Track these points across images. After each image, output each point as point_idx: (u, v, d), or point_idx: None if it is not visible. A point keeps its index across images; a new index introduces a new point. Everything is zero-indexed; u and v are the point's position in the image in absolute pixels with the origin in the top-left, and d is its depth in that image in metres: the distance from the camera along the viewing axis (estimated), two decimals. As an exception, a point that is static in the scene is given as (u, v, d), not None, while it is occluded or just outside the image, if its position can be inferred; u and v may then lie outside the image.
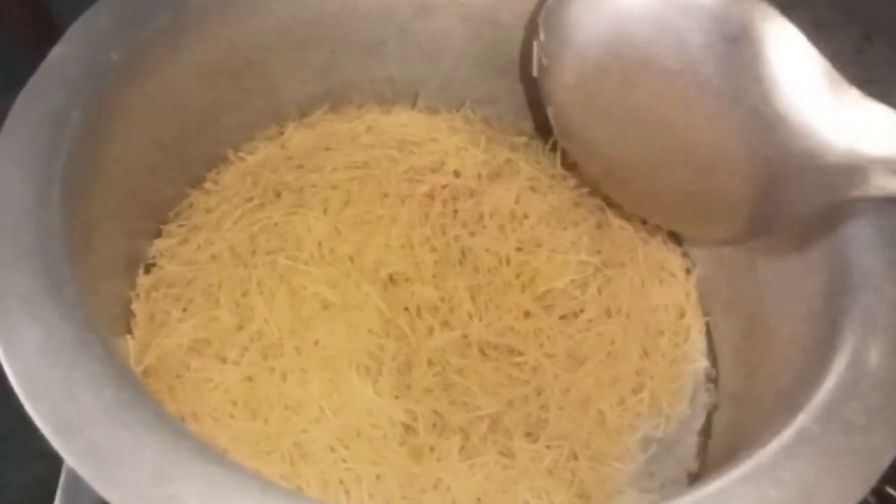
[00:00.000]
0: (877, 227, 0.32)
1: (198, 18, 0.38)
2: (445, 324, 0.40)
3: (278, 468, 0.34)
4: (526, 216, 0.43)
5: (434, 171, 0.43)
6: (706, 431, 0.40)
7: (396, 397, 0.38)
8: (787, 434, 0.27)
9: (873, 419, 0.27)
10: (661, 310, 0.43)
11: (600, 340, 0.41)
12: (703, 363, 0.42)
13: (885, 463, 0.27)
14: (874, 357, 0.29)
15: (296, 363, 0.36)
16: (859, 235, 0.33)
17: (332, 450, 0.35)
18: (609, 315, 0.42)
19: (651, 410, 0.40)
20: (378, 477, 0.35)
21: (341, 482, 0.34)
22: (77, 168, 0.32)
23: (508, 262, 0.42)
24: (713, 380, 0.42)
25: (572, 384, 0.40)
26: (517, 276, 0.42)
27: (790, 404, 0.30)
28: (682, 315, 0.43)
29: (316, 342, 0.37)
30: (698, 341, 0.43)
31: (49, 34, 0.36)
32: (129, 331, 0.37)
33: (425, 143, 0.43)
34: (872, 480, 0.26)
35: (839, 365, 0.29)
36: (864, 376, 0.28)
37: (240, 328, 0.36)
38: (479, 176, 0.43)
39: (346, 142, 0.43)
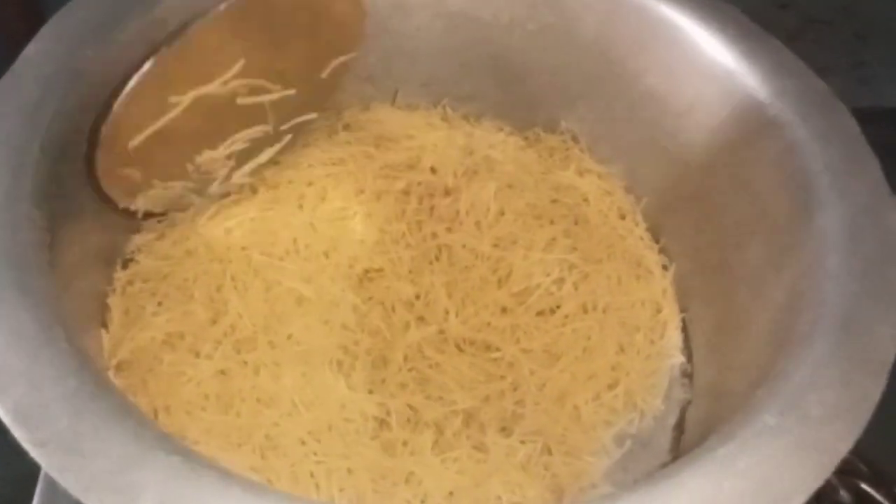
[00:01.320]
0: (842, 222, 0.32)
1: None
2: (421, 319, 0.41)
3: (249, 460, 0.34)
4: (502, 213, 0.43)
5: (411, 167, 0.43)
6: (680, 426, 0.41)
7: (370, 391, 0.38)
8: (747, 427, 0.27)
9: (829, 412, 0.27)
10: (637, 306, 0.43)
11: (576, 336, 0.42)
12: (679, 359, 0.42)
13: (840, 454, 0.27)
14: (832, 352, 0.29)
15: (269, 357, 0.36)
16: (825, 230, 0.33)
17: (304, 443, 0.35)
18: (585, 311, 0.42)
19: (626, 406, 0.41)
20: (349, 470, 0.35)
21: (312, 475, 0.35)
22: (50, 163, 0.33)
23: (485, 259, 0.42)
24: (688, 375, 0.42)
25: (548, 380, 0.40)
26: (494, 272, 0.42)
27: (754, 399, 0.30)
28: (659, 311, 0.43)
29: (289, 336, 0.37)
30: (674, 337, 0.43)
31: (37, 22, 0.36)
32: (105, 325, 0.37)
33: (402, 140, 0.43)
34: (827, 472, 0.26)
35: (799, 360, 0.29)
36: (822, 371, 0.28)
37: (213, 322, 0.37)
38: (456, 173, 0.43)
39: (323, 139, 0.43)
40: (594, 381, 0.41)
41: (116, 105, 0.35)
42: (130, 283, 0.38)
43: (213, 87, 0.37)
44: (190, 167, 0.40)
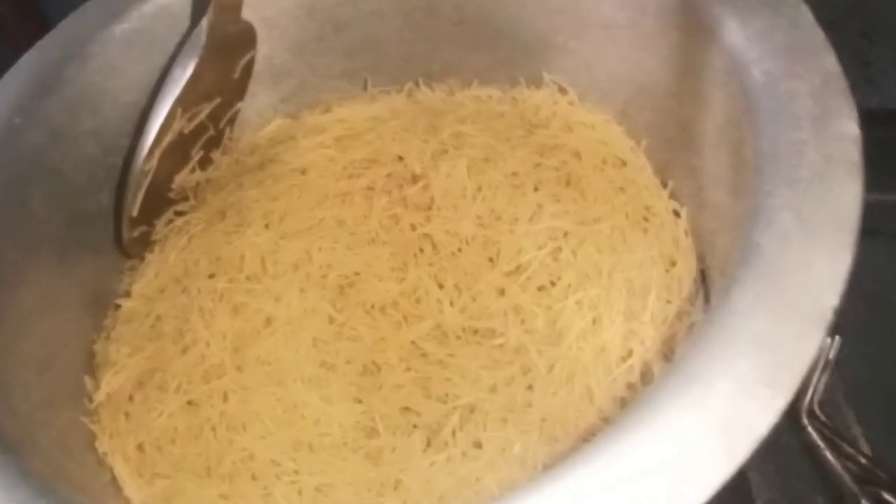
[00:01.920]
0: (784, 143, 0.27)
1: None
2: (415, 316, 0.39)
3: (218, 489, 0.34)
4: (479, 189, 0.40)
5: (374, 161, 0.41)
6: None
7: (359, 401, 0.37)
8: (634, 413, 0.23)
9: (742, 383, 0.23)
10: (646, 263, 0.38)
11: (580, 308, 0.38)
12: (699, 318, 0.37)
13: (757, 435, 0.22)
14: (752, 304, 0.24)
15: (237, 382, 0.36)
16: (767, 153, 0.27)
17: (277, 464, 0.35)
18: (588, 278, 0.38)
19: (642, 379, 0.36)
20: (328, 486, 0.35)
21: (284, 497, 0.34)
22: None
23: (470, 242, 0.40)
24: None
25: (556, 360, 0.37)
26: (482, 254, 0.39)
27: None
28: (673, 265, 0.38)
29: (257, 358, 0.37)
30: (692, 293, 0.38)
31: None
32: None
33: (363, 135, 0.41)
34: (740, 455, 0.22)
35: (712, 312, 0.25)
36: (737, 328, 0.24)
37: (182, 355, 0.37)
38: (423, 157, 0.41)
39: (285, 151, 0.42)
40: (604, 356, 0.37)
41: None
42: (112, 327, 0.40)
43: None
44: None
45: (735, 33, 0.30)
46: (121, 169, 0.41)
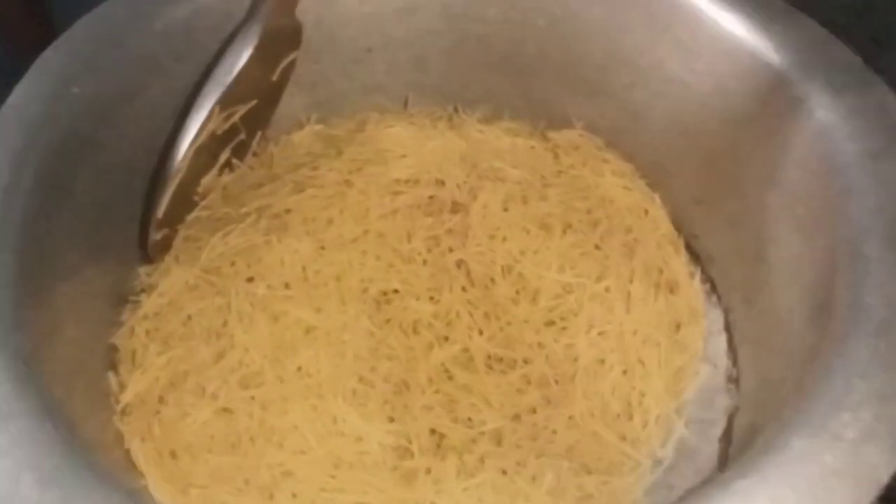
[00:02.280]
0: (879, 211, 0.29)
1: (152, 64, 0.38)
2: (445, 339, 0.39)
3: (256, 503, 0.33)
4: (515, 224, 0.41)
5: (416, 182, 0.41)
6: (728, 436, 0.38)
7: (391, 420, 0.36)
8: (766, 452, 0.24)
9: (864, 433, 0.24)
10: (658, 321, 0.40)
11: (596, 349, 0.39)
12: (723, 363, 0.39)
13: (880, 483, 0.23)
14: (869, 361, 0.25)
15: (277, 392, 0.35)
16: (860, 220, 0.29)
17: (318, 481, 0.34)
18: (605, 324, 0.39)
19: (658, 423, 0.38)
20: (361, 506, 0.34)
21: (324, 514, 0.33)
22: (36, 214, 0.32)
23: (504, 275, 0.40)
24: (734, 380, 0.39)
25: (575, 393, 0.38)
26: (513, 287, 0.40)
27: (783, 413, 0.27)
28: (683, 323, 0.40)
29: (298, 369, 0.36)
30: (698, 347, 0.39)
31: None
32: (114, 368, 0.36)
33: (405, 154, 0.41)
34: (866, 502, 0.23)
35: (828, 369, 0.26)
36: (856, 383, 0.25)
37: (218, 359, 0.36)
38: (461, 186, 0.41)
39: (327, 160, 0.42)
40: (622, 396, 0.38)
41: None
42: (137, 322, 0.37)
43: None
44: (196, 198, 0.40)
45: (826, 109, 0.32)
46: (154, 168, 0.39)
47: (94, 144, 0.36)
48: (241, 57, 0.38)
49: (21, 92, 0.34)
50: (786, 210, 0.34)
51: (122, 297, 0.39)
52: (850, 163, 0.30)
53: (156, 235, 0.39)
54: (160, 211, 0.38)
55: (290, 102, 0.44)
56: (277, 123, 0.44)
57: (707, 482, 0.25)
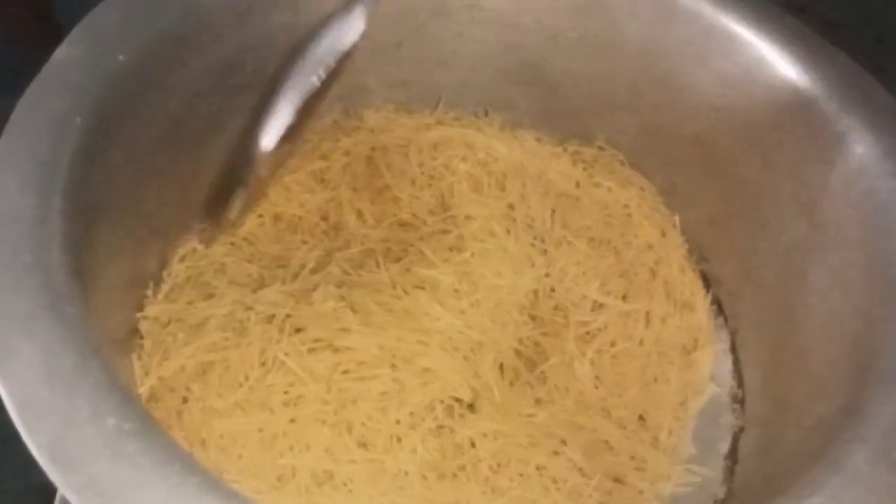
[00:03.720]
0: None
1: (205, 20, 0.36)
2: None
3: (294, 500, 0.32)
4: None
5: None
6: (733, 455, 0.39)
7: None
8: (829, 469, 0.25)
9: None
10: (679, 337, 0.41)
11: (620, 364, 0.40)
12: (728, 384, 0.40)
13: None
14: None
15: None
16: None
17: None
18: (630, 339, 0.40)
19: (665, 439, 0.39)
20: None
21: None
22: (80, 178, 0.30)
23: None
24: (739, 401, 0.40)
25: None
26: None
27: (829, 435, 0.28)
28: (690, 350, 0.41)
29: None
30: (706, 370, 0.41)
31: (51, 33, 0.35)
32: (136, 351, 0.35)
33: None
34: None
35: (885, 398, 0.27)
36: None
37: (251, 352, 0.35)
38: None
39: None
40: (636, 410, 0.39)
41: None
42: (163, 309, 0.36)
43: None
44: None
45: (867, 147, 0.33)
46: (243, 141, 0.38)
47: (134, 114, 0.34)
48: (348, 41, 0.37)
49: (64, 54, 0.33)
50: (817, 242, 0.35)
51: (143, 281, 0.37)
52: (893, 201, 0.32)
53: (235, 214, 0.38)
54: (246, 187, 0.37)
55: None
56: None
57: (768, 480, 0.26)
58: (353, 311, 0.36)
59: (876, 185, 0.33)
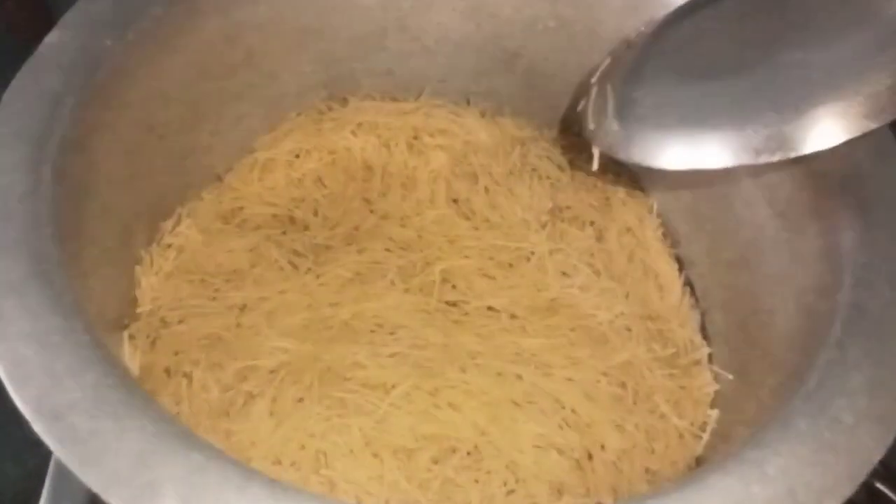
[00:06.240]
0: (874, 221, 0.32)
1: (194, 7, 0.38)
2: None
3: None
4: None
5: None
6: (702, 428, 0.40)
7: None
8: (774, 430, 0.27)
9: (861, 417, 0.27)
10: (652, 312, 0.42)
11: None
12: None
13: (873, 461, 0.26)
14: (863, 356, 0.28)
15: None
16: (854, 228, 0.32)
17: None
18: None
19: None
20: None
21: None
22: (70, 154, 0.32)
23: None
24: (708, 375, 0.42)
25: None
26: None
27: (780, 401, 0.30)
28: (680, 316, 0.43)
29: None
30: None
31: (45, 22, 0.36)
32: (128, 324, 0.37)
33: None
34: (859, 478, 0.26)
35: (827, 363, 0.29)
36: (853, 375, 0.28)
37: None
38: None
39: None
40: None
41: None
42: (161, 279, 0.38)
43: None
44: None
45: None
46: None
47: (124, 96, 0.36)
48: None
49: (56, 37, 0.34)
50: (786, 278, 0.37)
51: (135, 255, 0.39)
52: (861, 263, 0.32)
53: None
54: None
55: (303, 79, 0.45)
56: (288, 100, 0.45)
57: (724, 453, 0.27)
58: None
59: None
